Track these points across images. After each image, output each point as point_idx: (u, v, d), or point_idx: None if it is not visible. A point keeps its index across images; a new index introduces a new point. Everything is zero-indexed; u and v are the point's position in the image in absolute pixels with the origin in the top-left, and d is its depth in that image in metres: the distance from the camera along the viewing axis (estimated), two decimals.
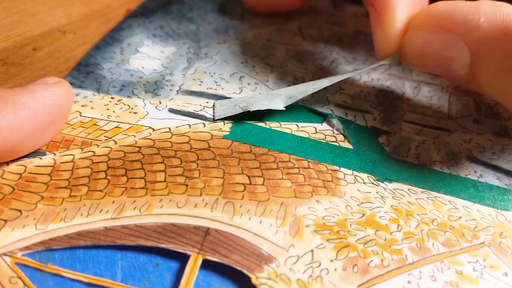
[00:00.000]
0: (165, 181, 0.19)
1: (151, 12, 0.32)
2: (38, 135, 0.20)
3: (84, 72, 0.25)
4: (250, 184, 0.20)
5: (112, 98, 0.24)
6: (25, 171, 0.19)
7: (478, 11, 0.19)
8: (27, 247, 0.17)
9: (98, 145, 0.21)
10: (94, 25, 0.30)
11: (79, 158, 0.20)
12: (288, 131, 0.23)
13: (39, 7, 0.31)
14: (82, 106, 0.23)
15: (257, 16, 0.33)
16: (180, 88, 0.25)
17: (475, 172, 0.22)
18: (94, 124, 0.22)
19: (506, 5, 0.19)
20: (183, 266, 0.17)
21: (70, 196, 0.19)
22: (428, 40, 0.21)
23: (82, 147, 0.21)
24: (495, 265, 0.18)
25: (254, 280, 0.16)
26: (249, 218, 0.18)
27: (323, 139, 0.22)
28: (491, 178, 0.22)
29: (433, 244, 0.18)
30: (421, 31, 0.21)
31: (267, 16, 0.33)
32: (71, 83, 0.21)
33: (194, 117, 0.23)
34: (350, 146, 0.22)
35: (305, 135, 0.23)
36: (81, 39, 0.28)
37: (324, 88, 0.26)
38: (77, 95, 0.24)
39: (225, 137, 0.22)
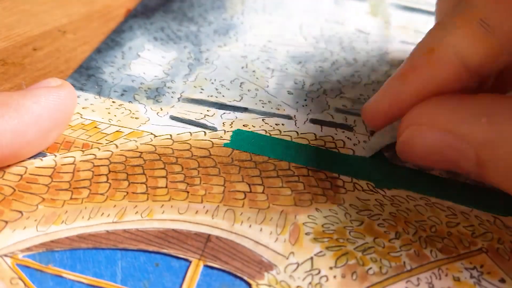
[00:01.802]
0: (166, 187, 0.20)
1: (151, 12, 0.32)
2: (41, 139, 0.20)
3: (85, 75, 0.25)
4: (250, 192, 0.20)
5: (113, 102, 0.24)
6: (25, 172, 0.20)
7: (480, 111, 0.18)
8: (28, 249, 0.17)
9: (99, 148, 0.21)
10: (94, 25, 0.30)
11: (80, 161, 0.20)
12: (288, 139, 0.23)
13: (39, 7, 0.31)
14: (83, 108, 0.23)
15: (257, 14, 0.33)
16: (181, 95, 0.25)
17: None
18: (95, 127, 0.22)
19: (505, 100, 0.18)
20: (183, 267, 0.17)
21: (71, 198, 0.19)
22: (433, 138, 0.19)
23: (83, 149, 0.21)
24: (492, 271, 0.18)
25: (254, 287, 0.17)
26: (250, 226, 0.19)
27: (323, 145, 0.23)
28: None
29: (431, 251, 0.19)
30: (424, 129, 0.19)
31: (268, 14, 0.33)
32: (72, 85, 0.21)
33: (195, 125, 0.23)
34: (349, 153, 0.22)
35: (305, 142, 0.23)
36: (81, 39, 0.29)
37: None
38: (78, 97, 0.24)
39: (225, 145, 0.22)
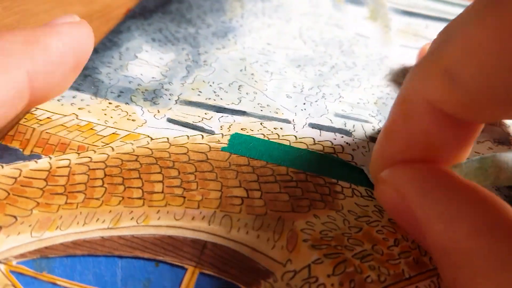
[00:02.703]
0: (162, 192, 0.19)
1: (149, 13, 0.31)
2: (65, 80, 0.19)
3: (81, 75, 0.25)
4: (247, 197, 0.20)
5: (109, 103, 0.24)
6: (20, 175, 0.19)
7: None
8: (22, 255, 0.17)
9: (95, 151, 0.21)
10: (94, 25, 0.30)
11: (76, 164, 0.20)
12: (287, 143, 0.23)
13: (39, 7, 0.31)
14: (79, 109, 0.23)
15: (257, 18, 0.33)
16: (179, 97, 0.25)
17: None
18: (91, 129, 0.22)
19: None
20: (178, 274, 0.17)
21: (66, 203, 0.18)
22: (392, 200, 0.18)
23: (79, 152, 0.21)
24: None
25: None
26: (247, 232, 0.18)
27: (321, 150, 0.22)
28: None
29: (430, 258, 0.18)
30: (386, 187, 0.18)
31: (267, 17, 0.33)
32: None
33: (192, 129, 0.23)
34: (348, 158, 0.22)
35: (303, 146, 0.23)
36: None
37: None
38: (73, 97, 0.23)
39: (223, 149, 0.22)
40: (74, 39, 0.19)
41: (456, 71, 0.15)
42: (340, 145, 0.23)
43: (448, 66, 0.15)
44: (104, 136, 0.22)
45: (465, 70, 0.15)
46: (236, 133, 0.23)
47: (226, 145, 0.22)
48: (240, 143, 0.22)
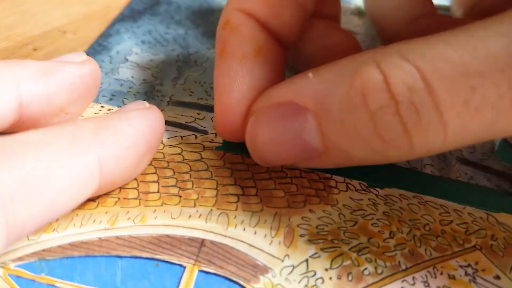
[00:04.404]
0: (158, 192, 0.19)
1: (138, 15, 0.31)
2: (135, 165, 0.18)
3: None
4: (243, 195, 0.20)
5: (102, 107, 0.24)
6: None
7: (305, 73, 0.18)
8: (19, 258, 0.17)
9: None
10: (94, 25, 0.30)
11: None
12: None
13: (39, 7, 0.31)
14: None
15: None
16: (170, 98, 0.25)
17: (466, 174, 0.22)
18: None
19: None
20: (177, 272, 0.17)
21: None
22: (270, 119, 0.18)
23: None
24: (487, 268, 0.18)
25: None
26: (244, 229, 0.18)
27: None
28: (481, 179, 0.22)
29: (425, 249, 0.19)
30: (260, 114, 0.18)
31: None
32: None
33: (185, 129, 0.23)
34: None
35: None
36: (81, 39, 0.28)
37: None
38: None
39: (217, 148, 0.22)
40: (145, 124, 0.18)
41: None
42: None
43: None
44: None
45: None
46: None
47: (220, 144, 0.22)
48: (233, 142, 0.22)
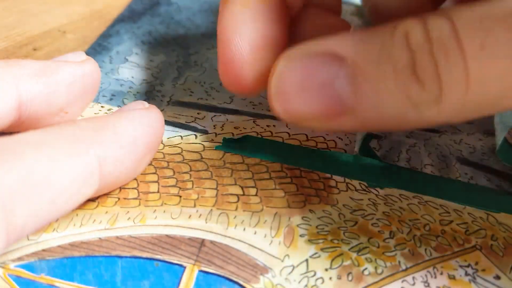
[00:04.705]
0: (158, 192, 0.19)
1: (138, 16, 0.31)
2: (135, 165, 0.18)
3: None
4: (243, 195, 0.20)
5: (102, 107, 0.24)
6: None
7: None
8: (19, 258, 0.17)
9: None
10: (94, 25, 0.30)
11: None
12: (280, 140, 0.23)
13: (39, 7, 0.31)
14: None
15: None
16: (170, 98, 0.25)
17: (466, 174, 0.22)
18: None
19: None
20: (177, 272, 0.17)
21: None
22: (305, 63, 0.17)
23: None
24: (487, 268, 0.18)
25: None
26: (244, 229, 0.18)
27: (314, 146, 0.23)
28: (481, 179, 0.22)
29: (425, 249, 0.19)
30: (292, 57, 0.17)
31: None
32: None
33: (185, 129, 0.23)
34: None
35: (296, 143, 0.23)
36: (81, 39, 0.28)
37: None
38: None
39: (217, 148, 0.22)
40: (145, 124, 0.18)
41: None
42: (333, 140, 0.23)
43: None
44: None
45: None
46: (228, 138, 0.23)
47: (220, 144, 0.22)
48: (233, 141, 0.22)
